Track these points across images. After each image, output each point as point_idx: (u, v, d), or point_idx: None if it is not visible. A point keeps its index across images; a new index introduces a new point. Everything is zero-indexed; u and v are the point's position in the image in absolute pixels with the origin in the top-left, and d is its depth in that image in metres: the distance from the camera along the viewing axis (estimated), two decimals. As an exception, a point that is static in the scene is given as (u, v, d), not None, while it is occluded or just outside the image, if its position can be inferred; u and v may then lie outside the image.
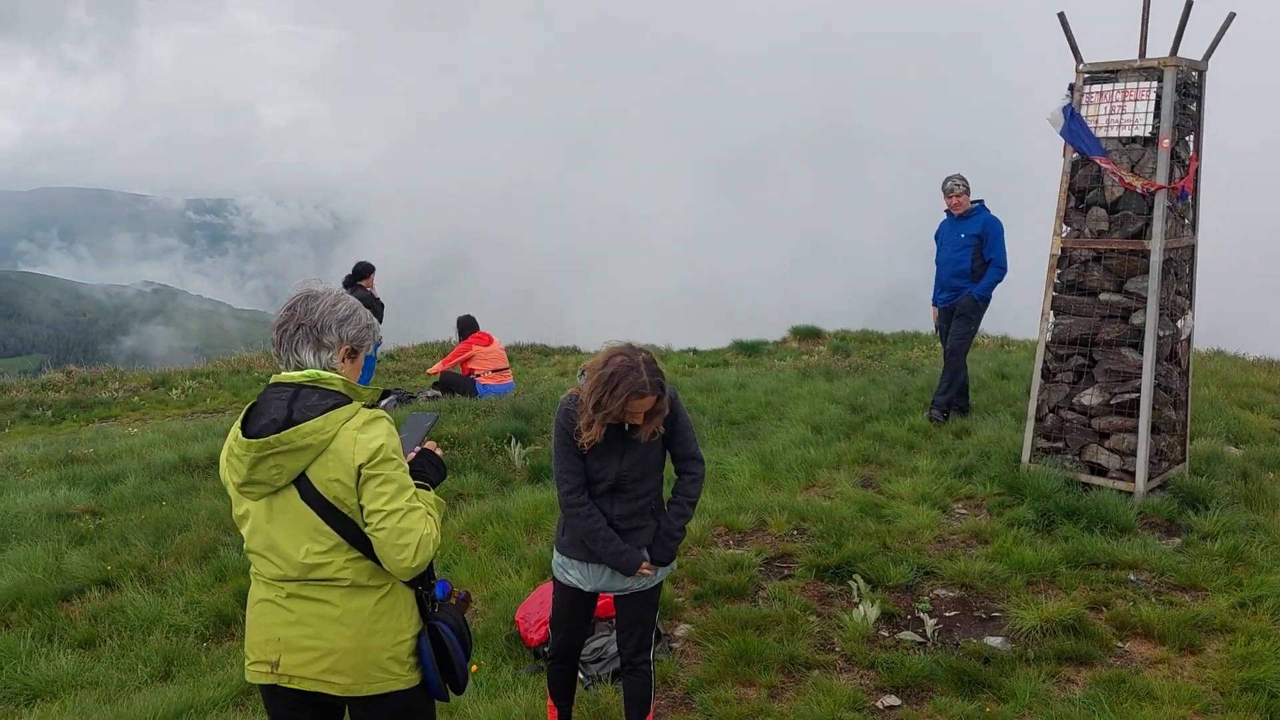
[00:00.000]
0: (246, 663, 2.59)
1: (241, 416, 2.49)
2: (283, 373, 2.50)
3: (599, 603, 3.73)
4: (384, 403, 10.50)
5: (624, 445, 3.44)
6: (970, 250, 7.77)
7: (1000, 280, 7.79)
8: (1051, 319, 6.49)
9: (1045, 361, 6.50)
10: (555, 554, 3.65)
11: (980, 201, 7.85)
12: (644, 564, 3.47)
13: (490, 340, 10.34)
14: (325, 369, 2.49)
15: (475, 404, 9.02)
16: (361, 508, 2.38)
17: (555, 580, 3.67)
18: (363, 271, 10.50)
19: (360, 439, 2.37)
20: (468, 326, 10.23)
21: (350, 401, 2.46)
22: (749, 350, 21.91)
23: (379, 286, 11.24)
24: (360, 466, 2.36)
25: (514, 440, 7.99)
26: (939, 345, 9.20)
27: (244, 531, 2.54)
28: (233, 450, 2.46)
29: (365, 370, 10.66)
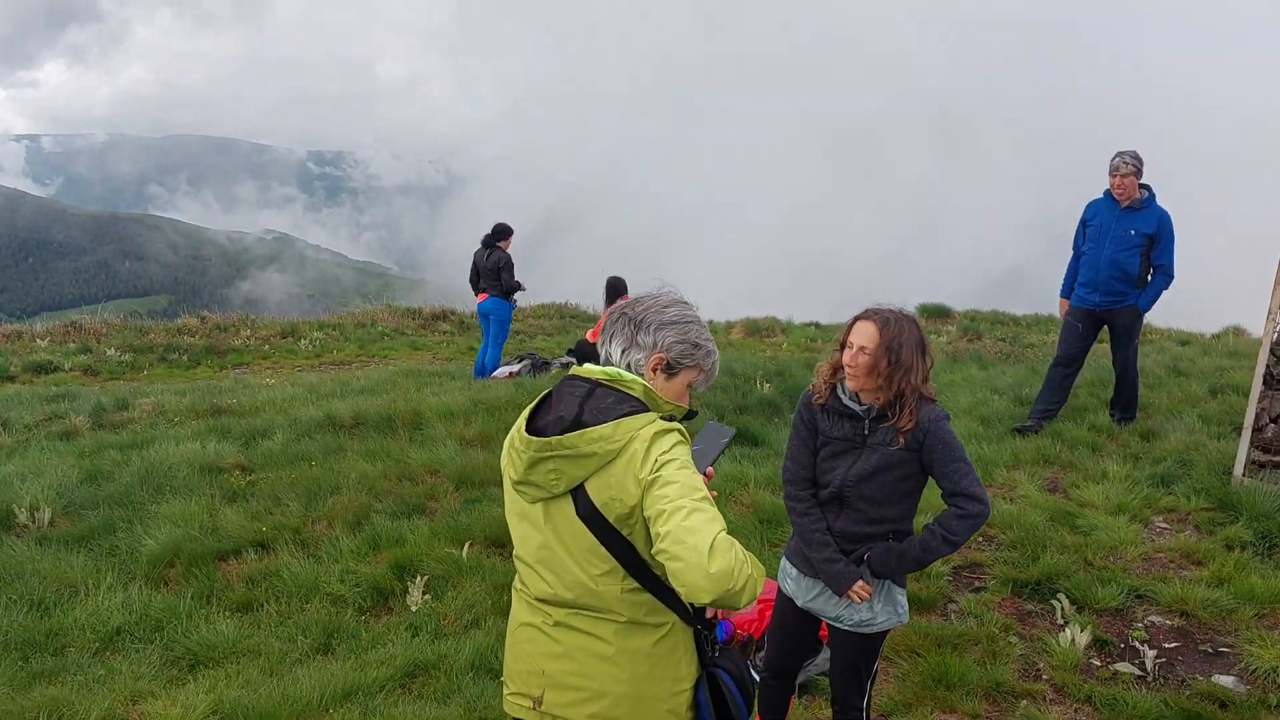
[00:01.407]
0: (505, 691, 2.32)
1: (532, 405, 2.21)
2: (585, 366, 2.20)
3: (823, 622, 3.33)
4: (518, 367, 10.31)
5: (860, 448, 3.02)
6: (1139, 251, 6.64)
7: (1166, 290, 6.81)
8: (1279, 319, 5.76)
9: (1268, 367, 5.79)
10: (782, 558, 3.30)
11: (1150, 190, 6.67)
12: (859, 584, 3.04)
13: (634, 308, 9.97)
14: (630, 370, 2.16)
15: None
16: (646, 525, 2.01)
17: (778, 588, 3.32)
18: (502, 232, 10.27)
19: (650, 452, 2.01)
20: (616, 290, 9.88)
21: (646, 410, 2.10)
22: (877, 325, 21.16)
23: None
24: (644, 479, 1.99)
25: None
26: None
27: (515, 535, 2.25)
28: (514, 444, 2.17)
29: (500, 331, 10.47)
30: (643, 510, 2.00)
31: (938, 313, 22.62)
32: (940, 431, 2.94)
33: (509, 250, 10.34)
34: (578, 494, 2.06)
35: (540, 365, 10.30)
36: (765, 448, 7.25)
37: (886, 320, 2.92)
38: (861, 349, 2.90)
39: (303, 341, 17.03)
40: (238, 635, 4.53)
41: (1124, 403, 7.29)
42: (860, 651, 3.15)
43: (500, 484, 6.06)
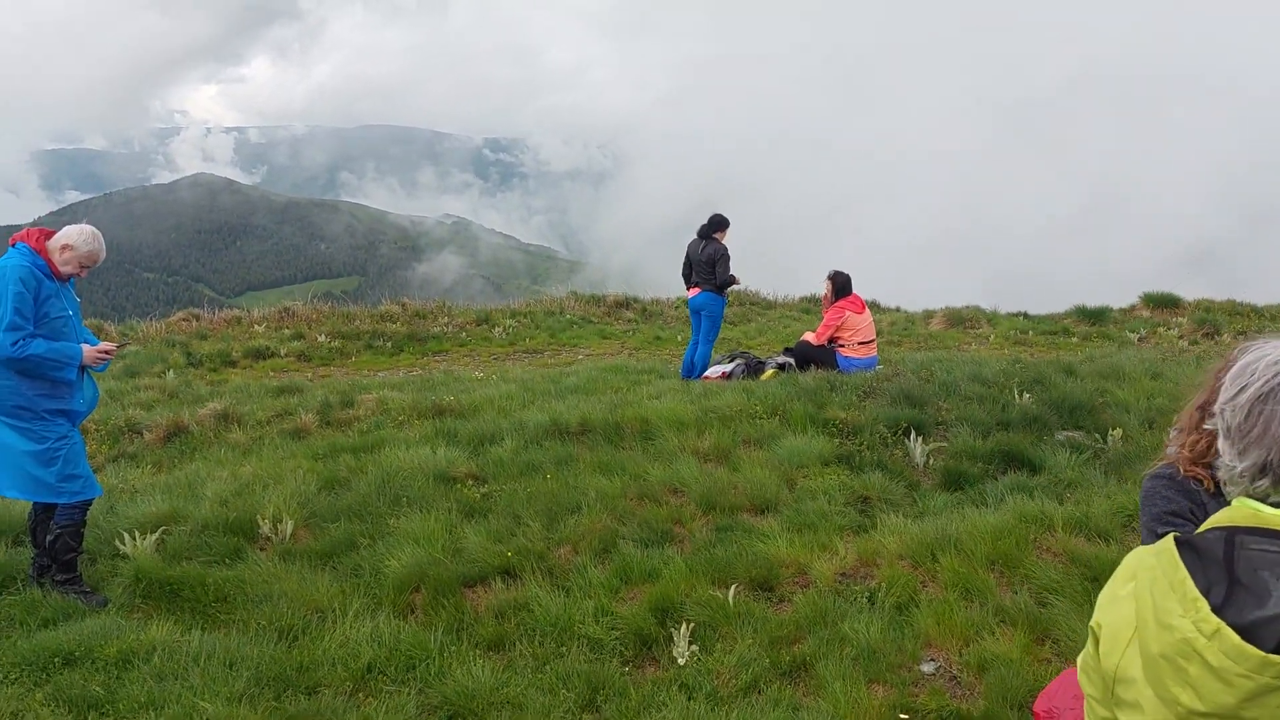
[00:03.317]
0: None
1: (1186, 570, 1.32)
2: (1262, 508, 1.38)
3: None
4: (730, 367, 9.68)
5: None
6: None
7: None
8: None
9: None
10: None
11: None
12: None
13: (863, 306, 9.13)
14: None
15: (852, 381, 7.92)
16: None
17: None
18: (718, 224, 9.63)
19: None
20: (843, 288, 9.07)
21: None
22: (1092, 318, 19.31)
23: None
24: None
25: (912, 432, 6.83)
26: None
27: None
28: (1186, 643, 1.29)
29: (712, 328, 9.85)
30: None
31: (1165, 302, 20.44)
32: None
33: (725, 241, 9.69)
34: None
35: (754, 366, 9.62)
36: (1046, 474, 6.30)
37: None
38: None
39: (496, 329, 17.11)
40: (495, 683, 4.09)
41: None
42: None
43: (754, 511, 5.37)
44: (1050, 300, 21.80)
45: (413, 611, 4.80)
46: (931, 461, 6.60)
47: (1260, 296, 21.05)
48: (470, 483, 6.16)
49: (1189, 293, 20.61)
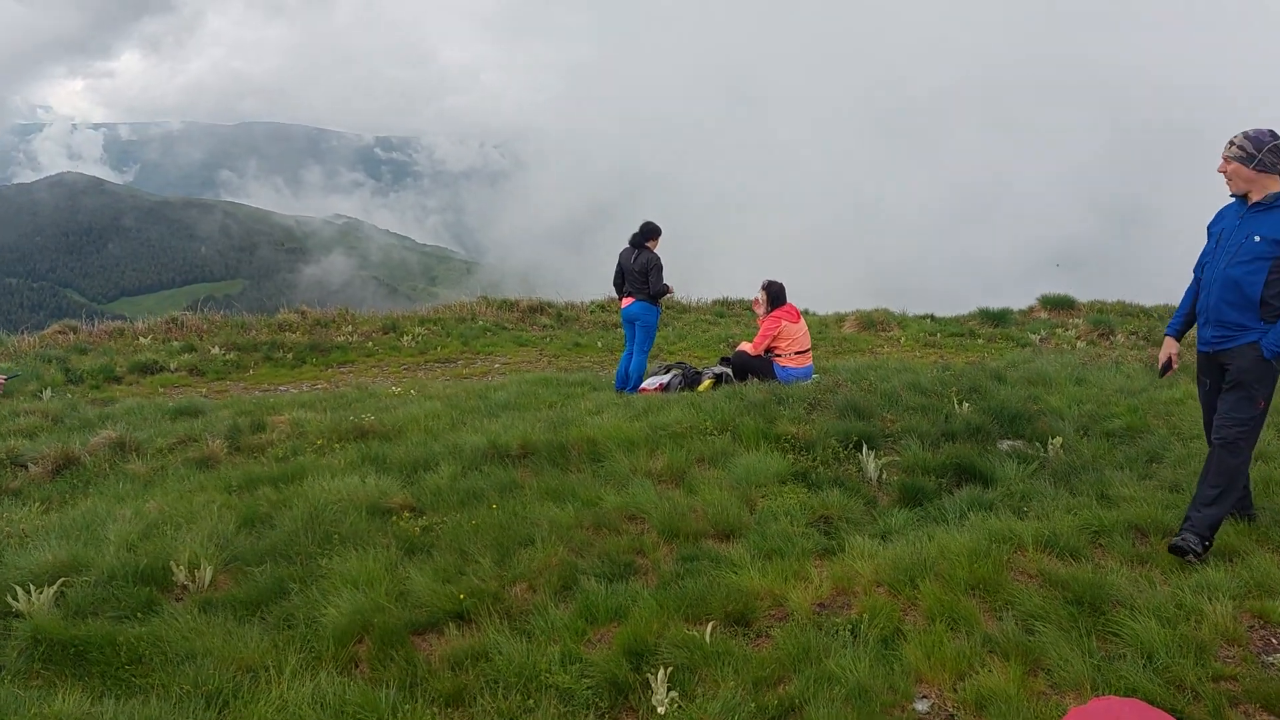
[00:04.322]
0: None
1: None
2: None
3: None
4: (668, 378, 9.40)
5: None
6: (1266, 266, 4.68)
7: None
8: None
9: None
10: None
11: None
12: None
13: (799, 315, 8.96)
14: None
15: (796, 393, 7.73)
16: None
17: None
18: (650, 232, 9.34)
19: None
20: (778, 297, 8.88)
21: None
22: (995, 320, 19.90)
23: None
24: None
25: (864, 446, 6.67)
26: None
27: None
28: None
29: (647, 338, 9.55)
30: None
31: (1061, 304, 21.19)
32: None
33: (657, 250, 9.40)
34: None
35: (691, 377, 9.35)
36: (1000, 486, 6.21)
37: None
38: None
39: (405, 338, 16.45)
40: (460, 749, 3.68)
41: (1221, 514, 4.92)
42: None
43: (719, 537, 5.08)
44: (926, 299, 22.40)
45: (357, 665, 4.32)
46: (885, 476, 6.44)
47: (1127, 295, 22.05)
48: (407, 515, 5.68)
49: (1057, 290, 21.39)
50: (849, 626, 4.40)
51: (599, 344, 16.62)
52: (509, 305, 19.70)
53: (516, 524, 5.43)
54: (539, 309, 19.78)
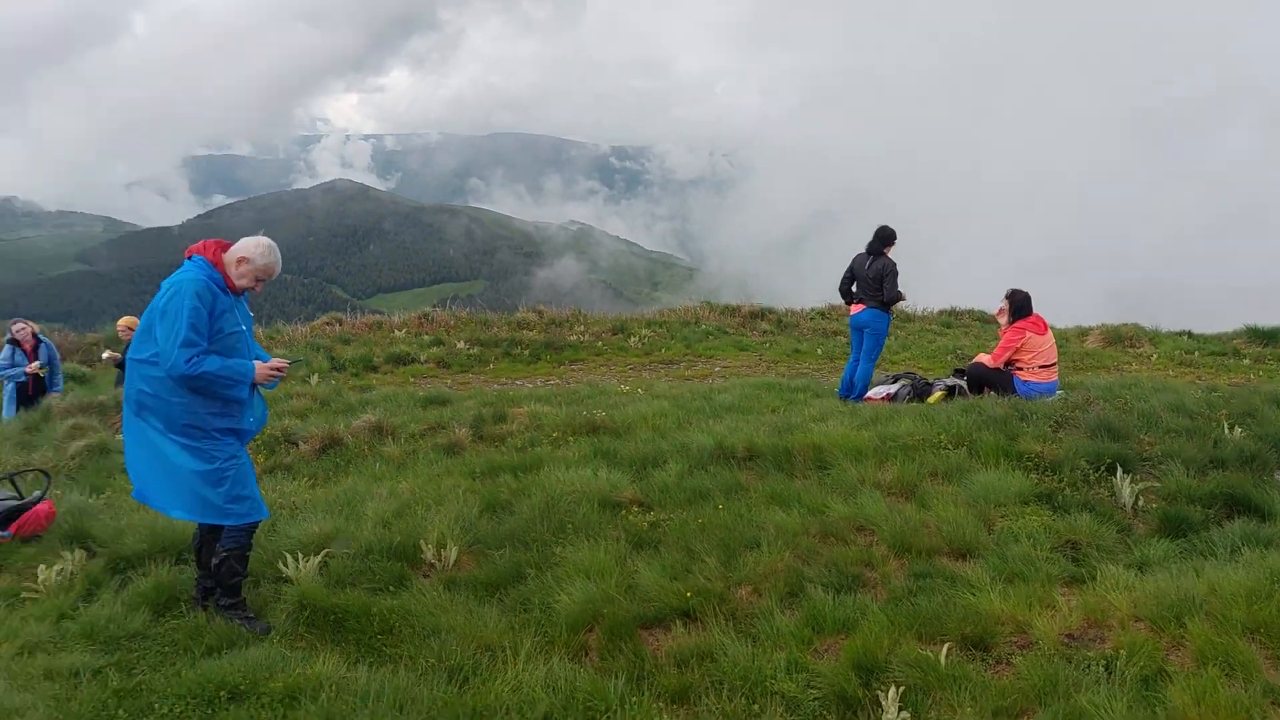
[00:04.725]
0: None
1: None
2: None
3: None
4: (895, 388, 9.07)
5: None
6: None
7: None
8: None
9: None
10: None
11: None
12: None
13: (1046, 327, 8.35)
14: None
15: (1040, 409, 7.22)
16: None
17: None
18: (887, 237, 9.02)
19: None
20: (1022, 307, 8.33)
21: None
22: (1265, 339, 17.68)
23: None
24: None
25: (1118, 469, 6.12)
26: None
27: None
28: None
29: (876, 346, 9.25)
30: None
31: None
32: None
33: (892, 255, 9.08)
34: None
35: (921, 388, 8.96)
36: (1276, 522, 5.50)
37: None
38: None
39: (632, 339, 16.89)
40: (687, 749, 3.70)
41: None
42: None
43: (953, 555, 4.82)
44: (1179, 316, 20.20)
45: (586, 654, 4.46)
46: (1142, 502, 5.87)
47: None
48: (636, 509, 5.81)
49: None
50: (1102, 662, 4.05)
51: (819, 351, 16.33)
52: (730, 310, 19.78)
53: (742, 526, 5.42)
54: (759, 315, 19.71)
